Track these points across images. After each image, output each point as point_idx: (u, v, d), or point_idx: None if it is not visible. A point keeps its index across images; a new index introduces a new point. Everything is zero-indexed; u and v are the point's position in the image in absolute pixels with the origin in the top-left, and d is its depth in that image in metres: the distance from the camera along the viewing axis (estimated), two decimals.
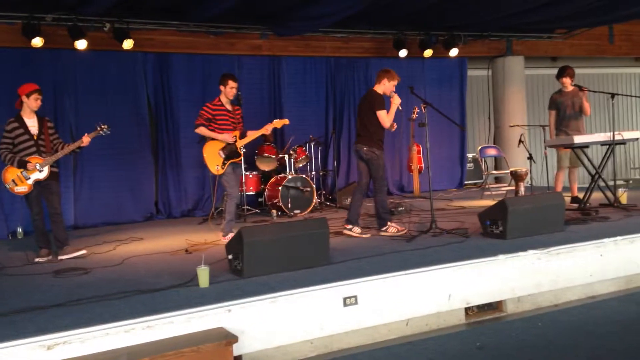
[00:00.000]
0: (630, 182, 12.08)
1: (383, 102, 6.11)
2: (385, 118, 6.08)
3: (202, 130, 6.35)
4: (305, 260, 4.70)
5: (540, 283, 4.80)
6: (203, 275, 4.28)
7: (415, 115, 9.56)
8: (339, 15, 8.38)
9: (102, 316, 3.65)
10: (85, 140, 5.90)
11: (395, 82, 6.21)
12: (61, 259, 5.80)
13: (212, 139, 6.35)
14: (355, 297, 4.13)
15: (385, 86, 6.17)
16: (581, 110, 7.65)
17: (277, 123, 6.80)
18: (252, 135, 6.62)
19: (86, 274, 5.06)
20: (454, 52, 10.38)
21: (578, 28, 11.08)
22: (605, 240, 5.15)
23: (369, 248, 5.36)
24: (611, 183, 7.24)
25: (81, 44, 7.90)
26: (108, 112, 8.40)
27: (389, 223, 6.20)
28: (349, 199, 9.17)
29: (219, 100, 6.42)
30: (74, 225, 8.27)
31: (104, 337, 3.43)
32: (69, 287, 4.54)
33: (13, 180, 5.69)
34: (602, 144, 7.10)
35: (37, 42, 7.67)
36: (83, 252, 5.96)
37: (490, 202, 7.24)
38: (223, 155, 6.33)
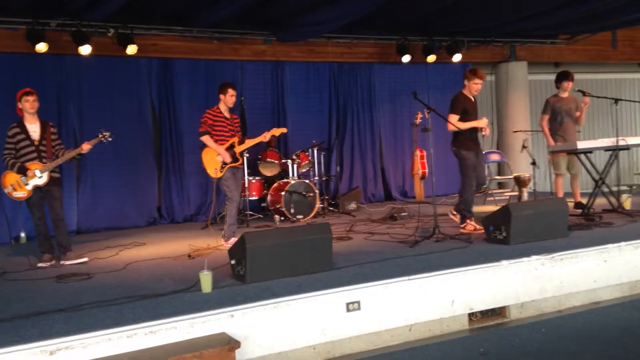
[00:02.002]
0: (634, 187, 12.04)
1: (458, 105, 6.27)
2: (453, 121, 6.20)
3: (206, 139, 6.38)
4: (308, 265, 4.69)
5: (544, 289, 4.78)
6: (205, 281, 4.27)
7: (418, 121, 9.56)
8: (342, 21, 8.40)
9: (104, 321, 3.64)
10: (85, 147, 5.91)
11: (476, 79, 6.26)
12: (63, 265, 5.81)
13: None
14: (358, 302, 4.12)
15: (468, 87, 6.31)
16: (576, 117, 7.59)
17: (276, 131, 6.91)
18: (250, 142, 6.69)
19: (89, 279, 5.07)
20: (457, 57, 10.37)
21: (581, 34, 11.07)
22: (609, 245, 5.13)
23: (372, 253, 5.35)
24: (615, 188, 7.21)
25: (85, 49, 7.92)
26: (112, 118, 8.44)
27: (467, 221, 6.36)
28: (352, 204, 9.22)
29: (218, 108, 6.48)
30: (77, 230, 8.29)
31: (106, 342, 3.44)
32: (72, 293, 4.54)
33: (12, 186, 5.71)
34: (606, 149, 7.07)
35: (42, 47, 7.69)
36: (85, 259, 5.96)
37: (493, 208, 7.22)
38: (221, 160, 6.37)
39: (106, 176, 8.60)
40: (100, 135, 6.04)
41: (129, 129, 8.69)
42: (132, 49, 8.19)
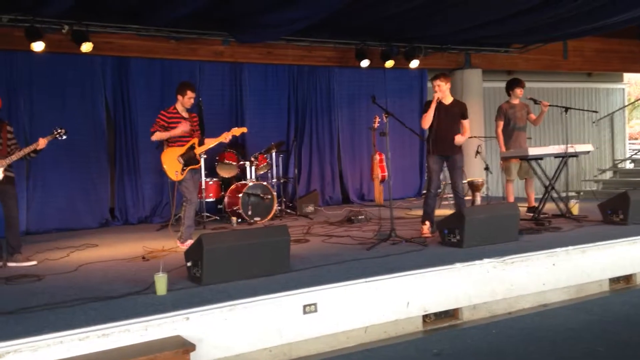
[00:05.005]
0: (582, 193, 12.45)
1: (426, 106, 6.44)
2: (423, 119, 6.36)
3: (157, 135, 6.31)
4: (266, 267, 4.69)
5: (495, 291, 4.91)
6: (161, 283, 4.22)
7: (376, 125, 9.68)
8: (301, 24, 8.40)
9: (55, 324, 3.56)
10: (42, 142, 5.76)
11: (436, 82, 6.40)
12: (10, 266, 5.63)
13: (170, 144, 6.35)
14: (315, 304, 4.14)
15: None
16: (526, 123, 7.81)
17: (236, 131, 6.84)
18: (210, 142, 6.62)
19: (39, 280, 4.93)
20: (414, 63, 10.53)
21: (533, 43, 11.40)
22: (558, 250, 5.30)
23: (329, 256, 5.38)
24: (563, 194, 7.44)
25: (38, 46, 7.69)
26: (64, 116, 8.23)
27: (422, 224, 6.42)
28: (309, 207, 9.25)
29: (175, 108, 6.39)
30: (27, 231, 8.02)
31: (57, 345, 3.35)
32: (21, 295, 4.41)
33: None
34: (556, 156, 7.30)
35: None
36: (34, 263, 5.77)
37: (448, 211, 7.35)
38: (182, 161, 6.29)
39: (57, 175, 8.38)
40: (55, 132, 5.91)
41: (82, 128, 8.49)
42: (86, 47, 8.00)
